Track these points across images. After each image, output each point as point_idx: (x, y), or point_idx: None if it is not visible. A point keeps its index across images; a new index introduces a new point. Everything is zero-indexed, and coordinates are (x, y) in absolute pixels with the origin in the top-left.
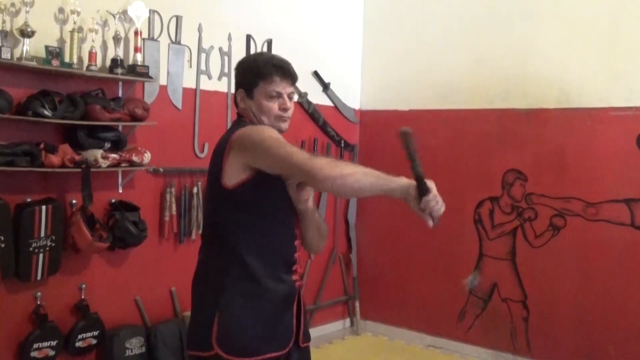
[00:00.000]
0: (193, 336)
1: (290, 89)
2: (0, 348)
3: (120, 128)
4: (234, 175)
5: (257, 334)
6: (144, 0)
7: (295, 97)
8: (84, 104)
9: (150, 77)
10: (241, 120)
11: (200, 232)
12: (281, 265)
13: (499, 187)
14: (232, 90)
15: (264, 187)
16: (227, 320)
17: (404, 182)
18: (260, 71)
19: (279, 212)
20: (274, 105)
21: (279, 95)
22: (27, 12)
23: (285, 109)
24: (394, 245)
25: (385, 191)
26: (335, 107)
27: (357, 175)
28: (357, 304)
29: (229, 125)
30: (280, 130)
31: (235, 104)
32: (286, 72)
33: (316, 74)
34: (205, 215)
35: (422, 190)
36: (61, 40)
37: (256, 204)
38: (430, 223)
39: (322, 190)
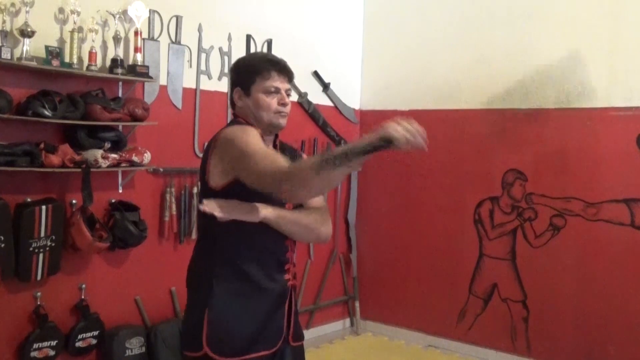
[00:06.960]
0: (184, 336)
1: (287, 86)
2: (0, 348)
3: (120, 128)
4: (218, 175)
5: (246, 334)
6: (144, 0)
7: (296, 97)
8: (84, 104)
9: (150, 77)
10: (236, 121)
11: None
12: (273, 264)
13: (499, 187)
14: None
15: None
16: (216, 320)
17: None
18: (256, 68)
19: None
20: (273, 101)
21: (277, 91)
22: (27, 12)
23: (284, 104)
24: (394, 245)
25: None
26: (335, 107)
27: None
28: (357, 304)
29: None
30: (279, 126)
31: (232, 104)
32: (283, 68)
33: (316, 74)
34: (197, 214)
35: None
36: (61, 40)
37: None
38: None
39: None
